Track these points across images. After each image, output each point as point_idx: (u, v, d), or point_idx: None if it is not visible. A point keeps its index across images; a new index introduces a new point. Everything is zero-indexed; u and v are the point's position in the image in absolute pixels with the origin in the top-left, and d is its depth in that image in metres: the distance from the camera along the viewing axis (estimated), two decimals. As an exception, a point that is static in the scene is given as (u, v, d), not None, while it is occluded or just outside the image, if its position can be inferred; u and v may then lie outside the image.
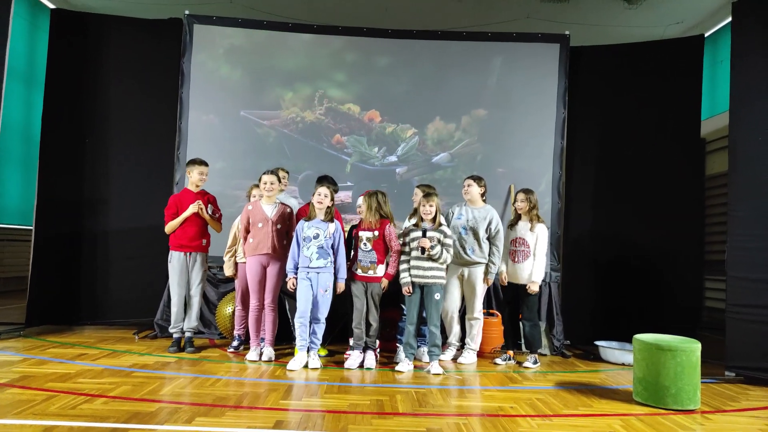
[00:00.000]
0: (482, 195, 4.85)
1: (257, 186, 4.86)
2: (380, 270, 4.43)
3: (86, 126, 5.75)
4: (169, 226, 4.71)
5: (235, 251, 4.92)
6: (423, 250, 4.32)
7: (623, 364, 4.84)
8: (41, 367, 3.95)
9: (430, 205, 4.38)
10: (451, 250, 4.42)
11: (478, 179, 4.84)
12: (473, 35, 6.05)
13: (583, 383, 4.15)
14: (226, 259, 4.95)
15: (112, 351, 4.60)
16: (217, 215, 4.86)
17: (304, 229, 4.35)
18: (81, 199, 5.69)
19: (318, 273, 4.31)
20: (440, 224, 4.40)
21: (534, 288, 4.60)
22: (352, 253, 4.54)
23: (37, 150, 5.50)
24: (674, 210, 5.73)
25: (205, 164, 4.84)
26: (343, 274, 4.39)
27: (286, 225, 4.58)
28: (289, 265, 4.38)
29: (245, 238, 4.56)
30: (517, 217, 4.79)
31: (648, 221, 5.79)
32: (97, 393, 3.35)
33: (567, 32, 5.96)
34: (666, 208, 5.74)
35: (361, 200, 4.60)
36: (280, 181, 4.72)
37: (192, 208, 4.65)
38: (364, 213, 4.46)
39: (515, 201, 4.80)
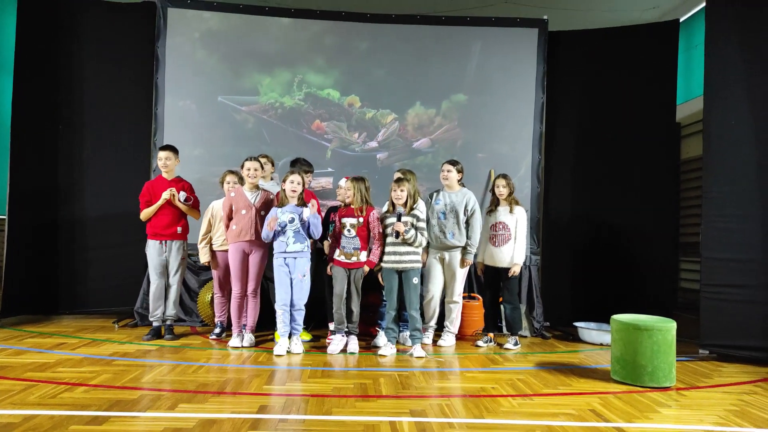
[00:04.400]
0: (459, 180, 4.88)
1: (232, 172, 4.82)
2: (363, 256, 4.43)
3: (59, 112, 5.62)
4: (144, 214, 4.67)
5: (210, 238, 4.86)
6: (398, 234, 4.33)
7: (601, 344, 4.94)
8: (19, 357, 3.89)
9: (401, 190, 4.39)
10: (426, 233, 4.45)
11: (455, 164, 4.87)
12: (452, 20, 6.03)
13: (562, 363, 4.23)
14: (200, 246, 4.87)
15: (92, 340, 4.54)
16: (190, 202, 4.77)
17: (279, 215, 4.34)
18: (55, 186, 5.58)
19: (295, 258, 4.31)
20: (412, 208, 4.41)
21: (516, 270, 4.66)
22: (329, 236, 4.55)
23: (8, 137, 5.35)
24: (650, 193, 5.83)
25: (165, 149, 4.74)
26: (318, 228, 4.35)
27: (269, 211, 4.55)
28: (265, 233, 4.30)
29: (227, 225, 4.52)
30: (496, 203, 4.83)
31: (625, 205, 5.88)
32: (77, 382, 3.31)
33: (545, 17, 5.98)
34: (642, 191, 5.84)
35: (344, 183, 4.57)
36: (263, 168, 4.67)
37: (164, 196, 4.58)
38: (352, 199, 4.42)
39: (495, 186, 4.83)
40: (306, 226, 4.33)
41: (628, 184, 5.89)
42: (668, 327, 3.64)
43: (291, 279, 4.30)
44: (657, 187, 5.84)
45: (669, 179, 6.07)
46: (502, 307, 4.85)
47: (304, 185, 4.44)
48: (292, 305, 4.31)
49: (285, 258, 4.31)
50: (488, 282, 4.87)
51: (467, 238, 4.75)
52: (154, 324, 4.73)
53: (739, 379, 3.86)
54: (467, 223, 4.76)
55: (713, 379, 3.87)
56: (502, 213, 4.76)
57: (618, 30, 6.10)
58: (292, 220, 4.32)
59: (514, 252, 4.68)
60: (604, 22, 6.58)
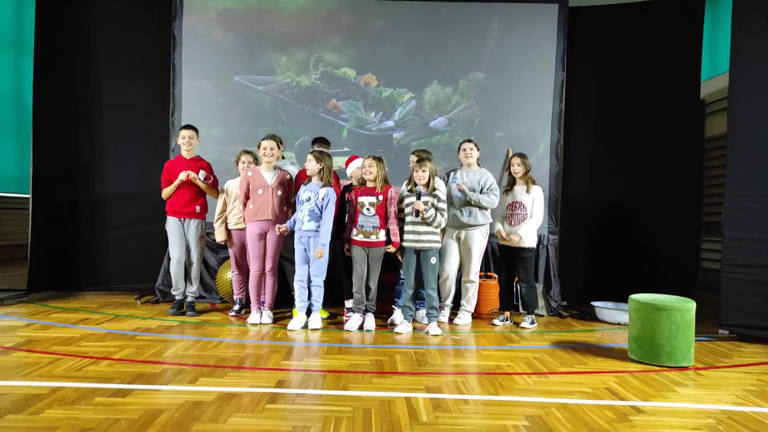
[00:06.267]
0: (478, 158, 4.87)
1: (247, 152, 4.85)
2: (381, 235, 4.44)
3: (78, 92, 5.68)
4: (164, 193, 4.76)
5: (226, 217, 4.91)
6: (417, 213, 4.34)
7: (619, 324, 4.92)
8: (45, 331, 4.01)
9: (423, 171, 4.38)
10: (446, 214, 4.44)
11: (475, 143, 4.85)
12: (471, -5, 5.93)
13: (579, 342, 4.23)
14: (216, 225, 4.93)
15: (115, 315, 4.65)
16: (210, 181, 4.83)
17: (301, 192, 4.39)
18: (77, 166, 5.68)
19: (310, 237, 4.34)
20: (434, 189, 4.41)
21: (525, 243, 4.63)
22: (347, 217, 4.56)
23: (30, 117, 5.42)
24: (672, 172, 5.74)
25: (188, 128, 4.80)
26: (324, 239, 4.34)
27: (286, 191, 4.59)
28: (289, 222, 4.45)
29: (245, 204, 4.56)
30: (512, 182, 4.80)
31: (646, 183, 5.80)
32: (101, 356, 3.40)
33: (566, -8, 5.85)
34: (664, 169, 5.75)
35: (362, 162, 4.54)
36: (279, 147, 4.69)
37: (181, 177, 4.65)
38: (375, 176, 4.43)
39: (511, 165, 4.80)
40: (321, 208, 4.35)
41: (651, 162, 5.79)
42: (687, 307, 3.60)
43: (308, 256, 4.35)
44: (679, 166, 5.75)
45: (692, 158, 5.96)
46: (518, 286, 4.84)
47: (321, 164, 4.39)
48: (310, 281, 4.37)
49: (301, 236, 4.36)
50: (504, 261, 4.86)
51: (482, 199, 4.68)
52: (177, 298, 4.83)
53: (758, 360, 3.83)
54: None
55: (732, 359, 3.84)
56: (519, 192, 4.73)
57: (641, 4, 5.94)
58: (308, 199, 4.35)
59: (528, 230, 4.66)
60: (627, -3, 6.41)
